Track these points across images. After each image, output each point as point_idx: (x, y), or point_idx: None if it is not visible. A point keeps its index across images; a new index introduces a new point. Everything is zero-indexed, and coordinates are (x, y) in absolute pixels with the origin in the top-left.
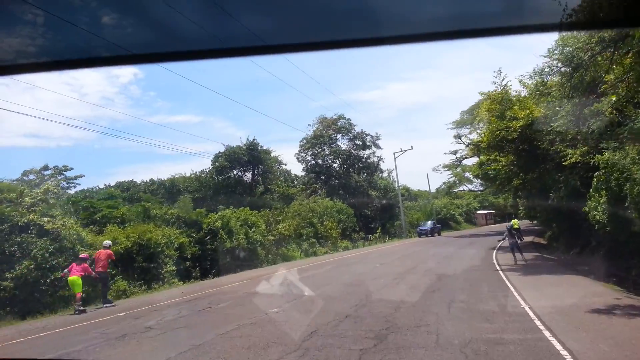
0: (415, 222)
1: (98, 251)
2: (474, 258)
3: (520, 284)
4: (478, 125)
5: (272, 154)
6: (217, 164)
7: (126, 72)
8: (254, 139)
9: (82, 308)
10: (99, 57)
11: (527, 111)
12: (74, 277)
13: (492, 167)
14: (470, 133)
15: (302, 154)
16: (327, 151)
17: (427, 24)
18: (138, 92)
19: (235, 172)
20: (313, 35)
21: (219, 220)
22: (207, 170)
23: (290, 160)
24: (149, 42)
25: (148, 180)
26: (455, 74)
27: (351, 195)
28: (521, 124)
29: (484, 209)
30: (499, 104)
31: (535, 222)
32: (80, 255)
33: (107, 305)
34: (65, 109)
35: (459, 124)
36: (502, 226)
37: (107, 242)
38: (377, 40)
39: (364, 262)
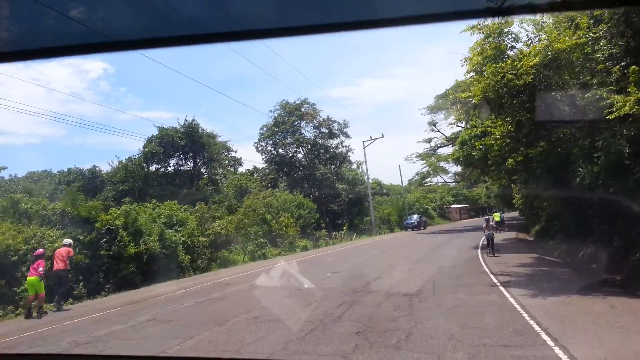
0: (387, 218)
1: (57, 249)
2: (455, 263)
3: (552, 321)
4: (466, 88)
5: (220, 139)
6: (146, 149)
7: (95, 67)
8: (193, 120)
9: (45, 311)
10: (67, 46)
11: (545, 43)
12: (34, 278)
13: (482, 142)
14: (445, 119)
15: (262, 143)
16: (290, 140)
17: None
18: (108, 88)
19: (174, 161)
20: (295, 19)
21: (121, 217)
22: (136, 157)
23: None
24: (122, 28)
25: (65, 170)
26: (429, 71)
27: (316, 188)
28: (536, 60)
29: (457, 203)
30: (495, 43)
31: (521, 214)
32: (35, 253)
33: (60, 309)
34: (33, 105)
35: (434, 109)
36: (479, 221)
37: (68, 240)
38: (368, 24)
39: (312, 270)
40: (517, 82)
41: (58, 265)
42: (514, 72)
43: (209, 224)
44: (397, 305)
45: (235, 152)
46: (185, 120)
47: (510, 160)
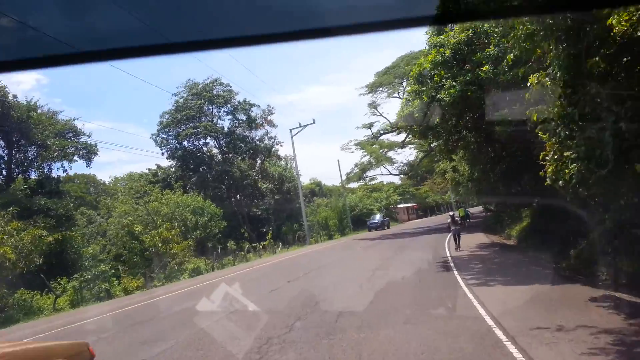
0: (324, 222)
1: None
2: (423, 310)
3: None
4: None
5: (61, 116)
6: None
7: (28, 78)
8: None
9: None
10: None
11: None
12: None
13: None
14: (388, 97)
15: (163, 135)
16: (199, 129)
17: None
18: (42, 100)
19: None
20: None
21: None
22: None
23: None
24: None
25: None
26: (370, 76)
27: (234, 188)
28: None
29: (405, 203)
30: None
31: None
32: None
33: None
34: None
35: (374, 87)
36: (430, 221)
37: None
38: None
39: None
40: None
41: None
42: None
43: None
44: None
45: (89, 136)
46: None
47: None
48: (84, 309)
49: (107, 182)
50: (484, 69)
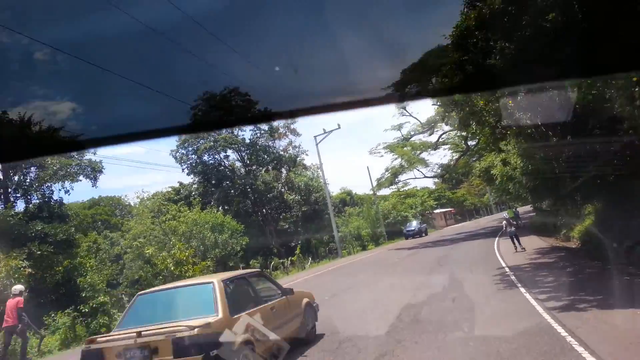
0: (356, 232)
1: (9, 300)
2: None
3: None
4: None
5: (62, 133)
6: None
7: (64, 108)
8: None
9: None
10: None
11: None
12: None
13: None
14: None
15: (182, 151)
16: (218, 142)
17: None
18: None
19: None
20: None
21: None
22: None
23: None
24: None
25: None
26: (396, 75)
27: (259, 202)
28: None
29: (441, 207)
30: None
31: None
32: None
33: None
34: None
35: (401, 85)
36: (469, 226)
37: (18, 286)
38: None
39: None
40: None
41: (8, 321)
42: None
43: None
44: None
45: (94, 153)
46: None
47: None
48: (75, 351)
49: (132, 204)
50: (550, 17)
